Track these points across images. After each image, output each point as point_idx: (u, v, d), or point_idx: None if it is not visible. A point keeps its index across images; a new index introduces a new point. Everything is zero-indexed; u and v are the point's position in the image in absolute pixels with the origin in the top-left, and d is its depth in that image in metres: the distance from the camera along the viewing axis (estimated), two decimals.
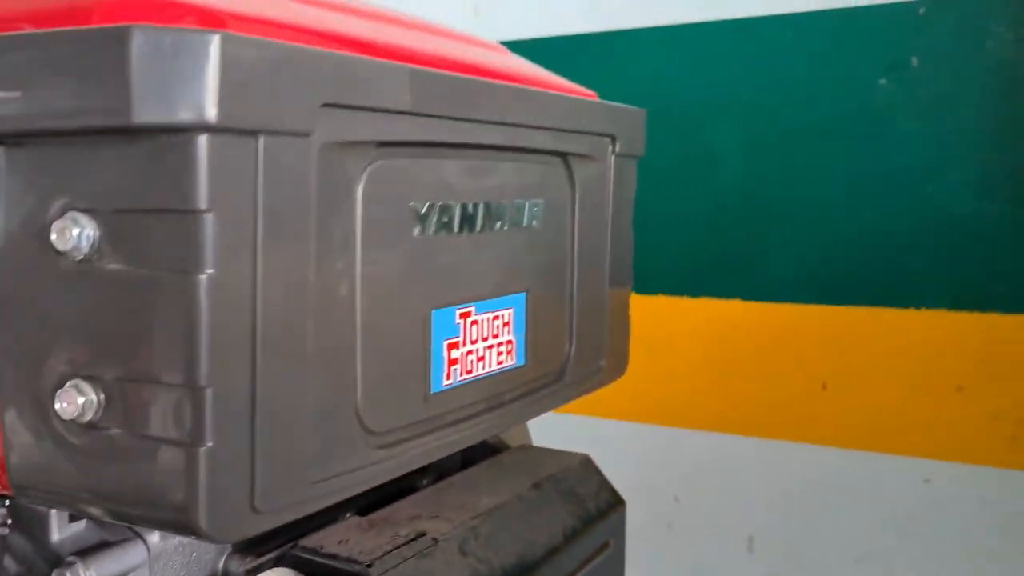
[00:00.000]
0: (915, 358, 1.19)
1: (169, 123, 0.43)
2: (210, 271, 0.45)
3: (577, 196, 0.80)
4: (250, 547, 0.68)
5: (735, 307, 1.28)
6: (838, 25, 1.26)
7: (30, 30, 0.48)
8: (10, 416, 0.50)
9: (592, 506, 0.81)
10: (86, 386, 0.48)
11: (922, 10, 1.21)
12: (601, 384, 0.88)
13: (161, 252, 0.46)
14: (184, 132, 0.44)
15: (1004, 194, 1.18)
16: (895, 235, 1.21)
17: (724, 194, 1.24)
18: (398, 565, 0.60)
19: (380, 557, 0.59)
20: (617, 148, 0.84)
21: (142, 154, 0.45)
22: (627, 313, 0.91)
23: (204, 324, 0.45)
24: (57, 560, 0.60)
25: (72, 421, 0.48)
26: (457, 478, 0.80)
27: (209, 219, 0.45)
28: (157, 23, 0.45)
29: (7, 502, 0.58)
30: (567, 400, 0.81)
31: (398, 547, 0.61)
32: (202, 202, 0.44)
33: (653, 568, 1.29)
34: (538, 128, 0.73)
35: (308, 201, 0.50)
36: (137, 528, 0.63)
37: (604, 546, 0.81)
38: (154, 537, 0.62)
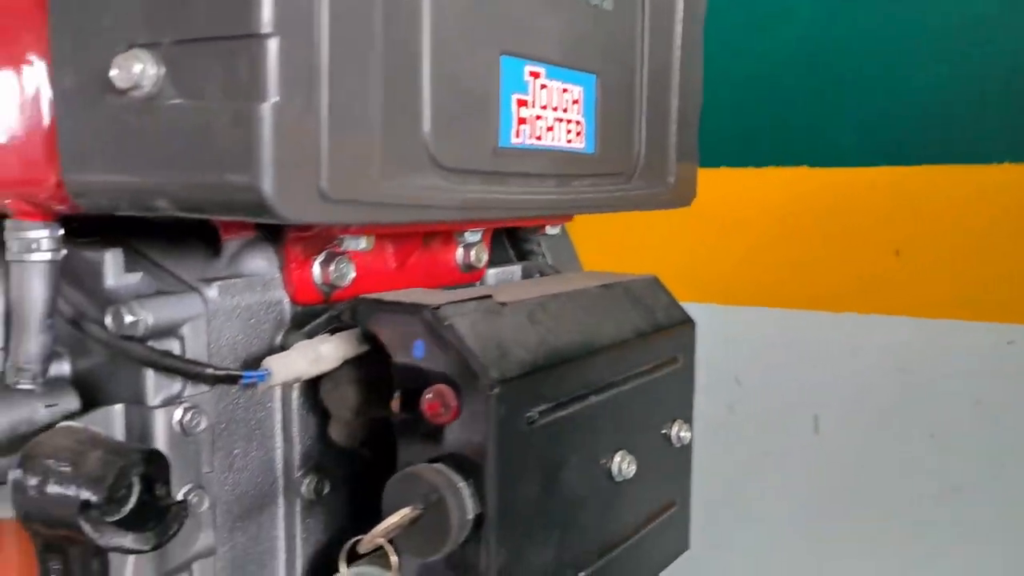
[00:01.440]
0: (993, 215, 1.12)
1: None
2: None
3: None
4: (307, 322, 0.65)
5: (800, 174, 1.22)
6: None
7: None
8: (66, 112, 0.48)
9: (661, 317, 0.77)
10: (143, 53, 0.45)
11: None
12: (668, 204, 0.84)
13: None
14: None
15: None
16: (967, 89, 1.14)
17: (786, 55, 1.19)
18: (466, 314, 0.56)
19: (446, 304, 0.56)
20: None
21: None
22: (695, 141, 0.87)
23: None
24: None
25: (130, 96, 0.45)
26: (522, 280, 0.76)
27: None
28: None
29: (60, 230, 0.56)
30: (635, 207, 0.77)
31: (464, 301, 0.57)
32: None
33: (713, 454, 1.24)
34: None
35: None
36: (194, 283, 0.60)
37: (673, 360, 0.77)
38: (212, 291, 0.60)
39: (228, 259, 0.64)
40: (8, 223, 0.54)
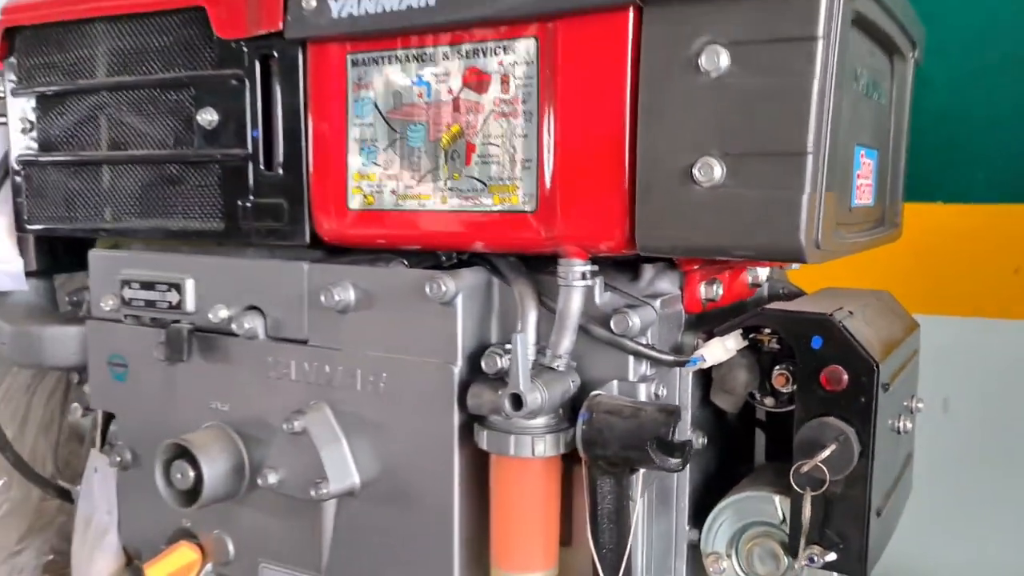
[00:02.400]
0: None
1: None
2: (819, 77, 0.70)
3: (894, 93, 1.05)
4: (697, 325, 0.94)
5: (935, 209, 1.53)
6: None
7: None
8: (648, 190, 0.76)
9: (907, 320, 1.06)
10: (714, 159, 0.73)
11: None
12: (894, 239, 1.12)
13: (780, 67, 0.71)
14: None
15: None
16: None
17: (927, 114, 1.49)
18: (845, 319, 0.85)
19: (833, 312, 0.84)
20: (916, 55, 1.09)
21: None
22: None
23: (812, 114, 0.70)
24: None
25: (702, 185, 0.74)
26: (824, 293, 1.05)
27: (819, 43, 0.70)
28: None
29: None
30: (882, 243, 1.06)
31: (837, 311, 0.86)
32: (819, 32, 0.70)
33: None
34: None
35: None
36: (643, 299, 0.88)
37: (916, 352, 1.06)
38: (658, 304, 0.88)
39: (647, 281, 0.92)
40: (562, 261, 0.82)
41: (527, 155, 0.81)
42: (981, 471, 1.59)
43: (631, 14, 0.75)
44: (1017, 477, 1.57)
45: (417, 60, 0.85)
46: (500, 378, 0.84)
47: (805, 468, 0.80)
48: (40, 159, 1.10)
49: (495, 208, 0.83)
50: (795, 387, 0.86)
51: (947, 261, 1.54)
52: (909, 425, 0.92)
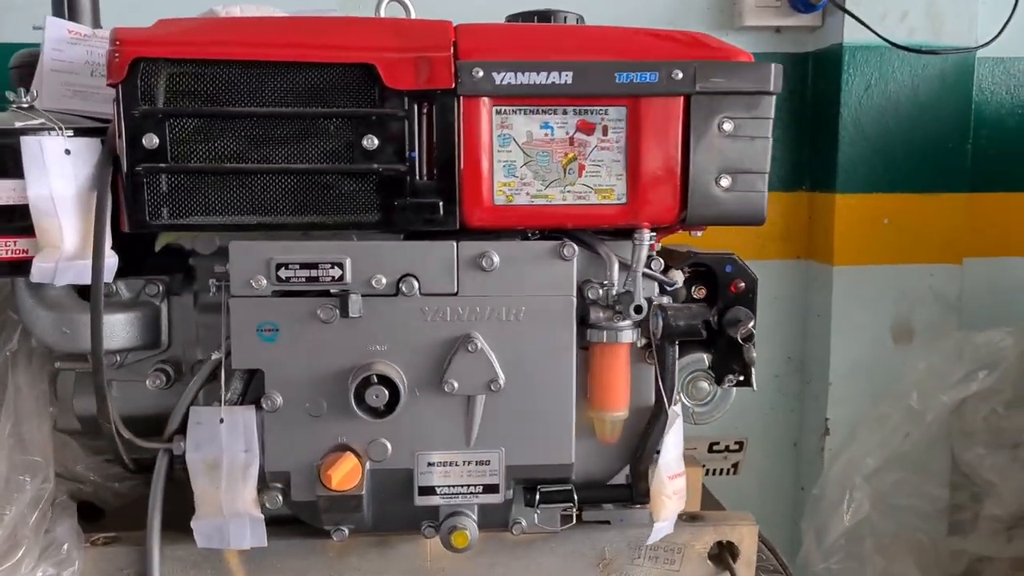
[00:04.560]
0: None
1: None
2: (770, 136, 1.45)
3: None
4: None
5: None
6: None
7: None
8: (694, 192, 1.43)
9: None
10: (726, 176, 1.44)
11: None
12: None
13: (755, 129, 1.44)
14: None
15: None
16: None
17: None
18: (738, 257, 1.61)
19: (733, 253, 1.60)
20: None
21: None
22: None
23: (768, 153, 1.45)
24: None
25: (721, 189, 1.44)
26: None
27: (771, 121, 1.45)
28: None
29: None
30: None
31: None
32: (772, 115, 1.44)
33: None
34: None
35: None
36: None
37: None
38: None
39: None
40: (636, 232, 1.44)
41: (619, 172, 1.42)
42: None
43: (683, 100, 1.41)
44: None
45: (546, 113, 1.39)
46: (595, 301, 1.44)
47: (743, 331, 1.55)
48: (173, 168, 1.34)
49: (600, 202, 1.42)
50: (714, 293, 1.60)
51: None
52: None
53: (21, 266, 1.32)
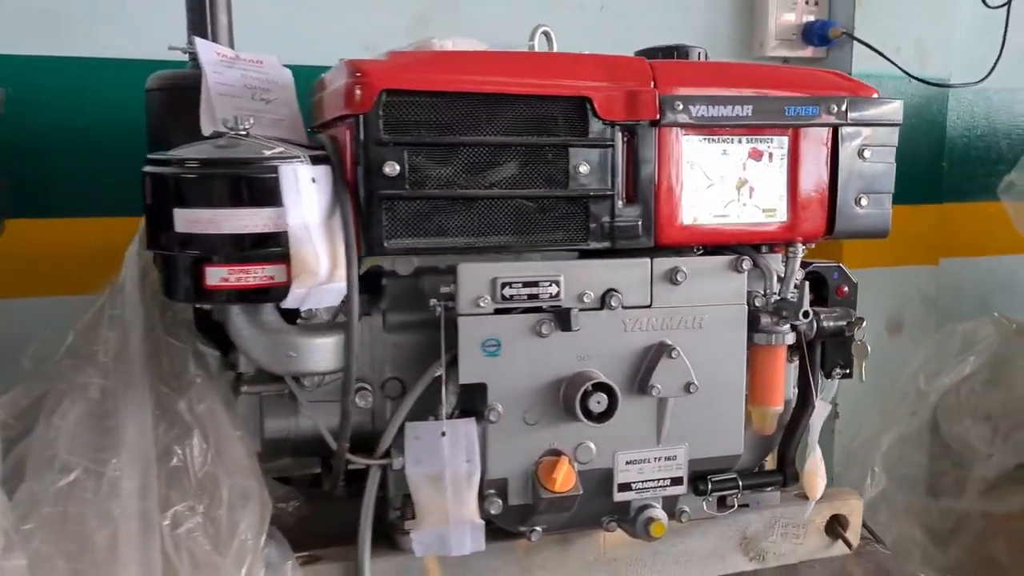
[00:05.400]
0: None
1: None
2: (894, 162, 1.68)
3: None
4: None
5: None
6: None
7: None
8: (840, 211, 1.63)
9: None
10: (865, 196, 1.66)
11: None
12: None
13: (886, 156, 1.67)
14: None
15: None
16: None
17: None
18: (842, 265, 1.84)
19: (839, 262, 1.82)
20: None
21: None
22: None
23: (893, 175, 1.69)
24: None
25: (861, 207, 1.66)
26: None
27: (895, 148, 1.68)
28: None
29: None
30: None
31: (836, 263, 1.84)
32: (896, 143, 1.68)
33: None
34: None
35: None
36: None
37: None
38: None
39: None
40: (791, 245, 1.63)
41: (780, 193, 1.61)
42: None
43: (830, 130, 1.62)
44: None
45: (724, 141, 1.56)
46: (761, 308, 1.62)
47: (857, 331, 1.77)
48: (412, 194, 1.40)
49: (766, 220, 1.61)
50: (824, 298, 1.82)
51: None
52: None
53: (269, 292, 1.35)
